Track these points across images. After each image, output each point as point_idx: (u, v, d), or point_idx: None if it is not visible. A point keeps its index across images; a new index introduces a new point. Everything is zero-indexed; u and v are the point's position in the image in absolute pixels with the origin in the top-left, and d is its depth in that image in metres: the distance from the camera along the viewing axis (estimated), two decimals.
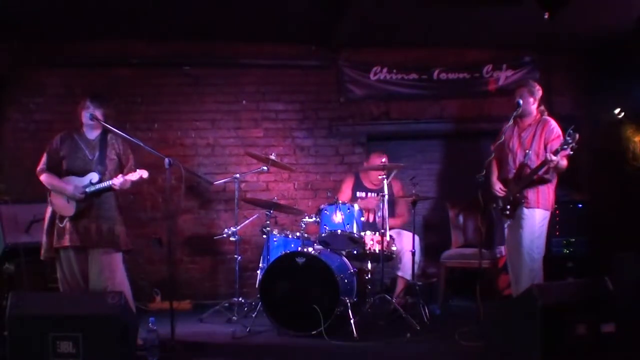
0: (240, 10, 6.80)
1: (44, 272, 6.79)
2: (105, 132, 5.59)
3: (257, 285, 6.58)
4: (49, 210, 5.52)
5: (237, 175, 7.08)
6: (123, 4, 6.53)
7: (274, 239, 6.73)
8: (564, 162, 5.70)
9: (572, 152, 5.55)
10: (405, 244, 6.88)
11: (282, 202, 7.30)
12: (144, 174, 5.47)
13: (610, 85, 7.74)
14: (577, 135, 5.43)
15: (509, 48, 8.16)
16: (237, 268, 6.97)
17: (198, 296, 7.77)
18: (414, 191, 6.65)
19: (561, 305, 4.60)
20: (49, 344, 4.48)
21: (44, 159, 5.57)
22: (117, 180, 5.37)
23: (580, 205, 7.52)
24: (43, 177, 5.52)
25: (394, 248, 6.59)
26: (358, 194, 7.25)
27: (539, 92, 6.06)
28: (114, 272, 5.44)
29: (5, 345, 4.56)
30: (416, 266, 6.77)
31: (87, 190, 5.38)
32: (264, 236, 6.78)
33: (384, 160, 6.62)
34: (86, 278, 5.45)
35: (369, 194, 7.22)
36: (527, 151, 5.96)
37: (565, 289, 5.03)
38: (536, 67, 8.24)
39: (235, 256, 7.00)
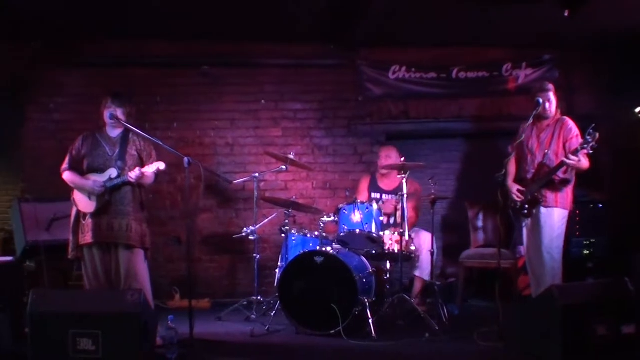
0: (259, 10, 6.80)
1: (65, 270, 6.86)
2: (127, 129, 5.63)
3: (275, 284, 6.57)
4: (74, 209, 5.57)
5: (256, 175, 7.09)
6: (142, 4, 6.57)
7: (293, 238, 6.72)
8: (584, 162, 5.65)
9: (591, 152, 5.51)
10: (424, 243, 6.85)
11: (300, 201, 7.31)
12: (161, 165, 5.49)
13: (631, 84, 7.67)
14: (597, 135, 5.38)
15: (528, 46, 8.10)
16: (255, 267, 6.97)
17: (217, 295, 7.79)
18: (432, 190, 6.62)
19: (581, 306, 4.57)
20: (69, 341, 4.51)
21: (66, 159, 5.64)
22: (133, 174, 5.41)
23: (600, 206, 7.46)
24: (65, 176, 5.59)
25: (412, 248, 6.56)
26: (373, 194, 7.22)
27: (551, 92, 6.00)
28: (136, 270, 5.47)
29: (27, 341, 4.59)
30: (435, 266, 6.74)
31: (107, 185, 5.42)
32: (283, 235, 6.78)
33: (402, 159, 6.59)
34: (109, 275, 5.49)
35: (384, 195, 7.19)
36: (546, 151, 5.92)
37: (585, 289, 5.00)
38: (556, 65, 8.17)
39: (254, 255, 7.01)
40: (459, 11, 6.77)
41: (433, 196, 6.59)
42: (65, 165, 5.62)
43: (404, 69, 8.12)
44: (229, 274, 8.05)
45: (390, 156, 7.12)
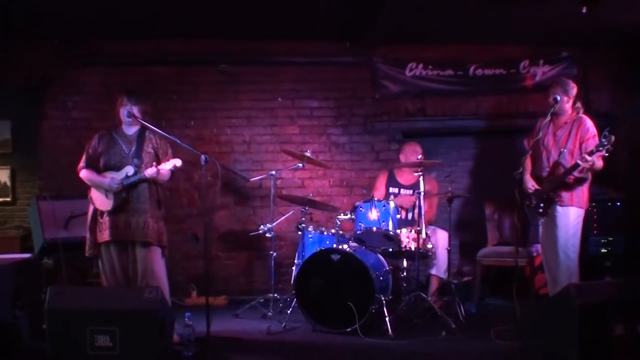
0: (276, 8, 6.80)
1: (82, 267, 6.89)
2: (143, 127, 5.65)
3: (292, 282, 6.58)
4: (91, 207, 5.59)
5: (273, 172, 7.09)
6: (160, 3, 6.59)
7: (309, 236, 6.72)
8: (599, 163, 5.62)
9: (607, 154, 5.48)
10: (440, 241, 6.83)
11: (317, 198, 7.31)
12: (177, 162, 5.50)
13: None
14: (613, 138, 5.36)
15: (546, 43, 8.04)
16: (272, 264, 6.98)
17: (234, 292, 7.81)
18: (449, 188, 6.60)
19: (599, 305, 4.52)
20: (87, 337, 4.53)
21: (83, 157, 5.67)
22: (149, 171, 5.43)
23: (618, 204, 7.40)
24: (82, 174, 5.62)
25: (429, 246, 6.55)
26: (391, 189, 7.20)
27: (573, 90, 5.97)
28: (152, 267, 5.49)
29: (45, 338, 4.62)
30: (451, 264, 6.72)
31: (124, 182, 5.44)
32: (299, 233, 6.79)
33: (420, 157, 6.58)
34: (127, 272, 5.51)
35: (402, 190, 7.17)
36: (562, 150, 5.88)
37: (603, 288, 4.95)
38: (573, 62, 8.11)
39: (271, 252, 7.02)
40: (476, 8, 6.73)
41: (450, 194, 6.59)
42: (82, 163, 5.64)
43: (420, 66, 8.10)
44: (246, 271, 8.07)
45: (417, 152, 7.06)
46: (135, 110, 5.54)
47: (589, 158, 5.48)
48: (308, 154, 6.88)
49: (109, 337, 4.53)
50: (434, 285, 6.94)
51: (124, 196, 5.46)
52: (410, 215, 7.06)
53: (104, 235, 5.45)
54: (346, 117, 8.16)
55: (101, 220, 5.49)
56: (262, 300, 7.00)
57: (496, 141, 8.30)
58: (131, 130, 5.66)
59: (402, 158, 7.21)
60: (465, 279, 7.70)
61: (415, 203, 6.77)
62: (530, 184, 6.02)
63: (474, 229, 8.06)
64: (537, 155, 6.11)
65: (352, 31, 7.57)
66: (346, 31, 7.61)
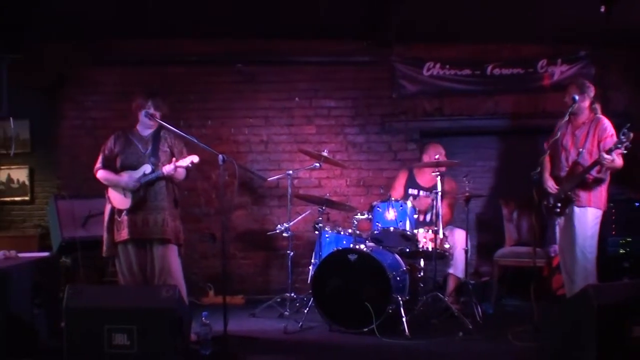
0: (293, 8, 6.81)
1: (100, 266, 6.94)
2: (158, 128, 5.68)
3: (309, 281, 6.58)
4: (108, 207, 5.62)
5: (290, 172, 7.10)
6: (178, 3, 6.62)
7: (326, 236, 6.73)
8: (618, 161, 5.59)
9: (625, 152, 5.45)
10: (458, 241, 6.81)
11: (334, 198, 7.30)
12: (194, 158, 5.52)
13: None
14: (632, 134, 5.33)
15: (564, 42, 7.99)
16: (289, 264, 6.99)
17: (251, 291, 7.83)
18: (467, 188, 6.59)
19: (617, 306, 4.50)
20: (104, 335, 4.56)
21: (99, 158, 5.71)
22: (167, 167, 5.46)
23: (637, 204, 7.33)
24: (99, 174, 5.66)
25: (446, 246, 6.53)
26: (410, 190, 7.18)
27: (591, 90, 5.95)
28: (170, 265, 5.52)
29: (62, 336, 4.65)
30: (469, 264, 6.70)
31: (141, 180, 5.47)
32: (316, 232, 6.80)
33: (437, 157, 6.56)
34: (144, 271, 5.54)
35: (421, 191, 7.16)
36: (581, 150, 5.86)
37: (621, 289, 4.91)
38: (592, 62, 8.05)
39: (288, 252, 7.04)
40: (494, 6, 6.71)
41: (468, 194, 6.57)
42: (98, 164, 5.69)
43: (438, 65, 8.08)
44: (263, 271, 8.09)
45: (440, 153, 7.03)
46: (153, 110, 5.57)
47: (607, 156, 5.46)
48: (325, 153, 6.88)
49: (126, 335, 4.55)
50: (451, 285, 6.92)
51: (141, 194, 5.49)
52: (428, 218, 7.04)
53: (122, 234, 5.48)
54: (363, 117, 8.15)
55: (119, 219, 5.52)
56: (279, 299, 7.01)
57: (514, 141, 8.28)
58: (146, 132, 5.70)
59: (426, 158, 7.15)
60: (483, 279, 7.68)
61: (432, 205, 6.76)
62: (550, 184, 6.01)
63: (491, 229, 8.04)
64: (556, 155, 6.09)
65: (369, 30, 7.57)
66: (363, 30, 7.61)
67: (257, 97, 8.11)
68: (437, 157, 6.59)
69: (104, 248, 5.59)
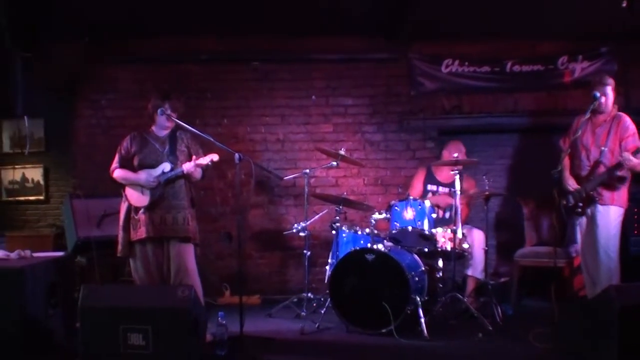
0: (309, 4, 6.79)
1: (115, 265, 6.95)
2: (174, 130, 5.69)
3: (326, 281, 6.57)
4: (124, 205, 5.61)
5: (307, 171, 7.08)
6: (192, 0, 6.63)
7: (343, 235, 6.70)
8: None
9: None
10: (477, 241, 6.77)
11: (351, 197, 7.28)
12: (214, 157, 5.52)
13: None
14: None
15: (585, 38, 7.92)
16: (306, 263, 6.98)
17: (267, 291, 7.82)
18: (486, 187, 6.54)
19: None
20: (120, 335, 4.56)
21: (115, 158, 5.70)
22: (188, 165, 5.47)
23: None
24: (116, 174, 5.64)
25: (465, 246, 6.50)
26: (429, 187, 7.15)
27: (612, 87, 5.88)
28: (186, 265, 5.51)
29: (77, 336, 4.66)
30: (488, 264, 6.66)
31: (160, 178, 5.47)
32: (333, 232, 6.77)
33: (455, 155, 6.52)
34: (161, 271, 5.54)
35: (440, 188, 7.12)
36: (602, 148, 5.80)
37: None
38: (613, 58, 7.98)
39: (304, 251, 7.01)
40: (513, 1, 6.66)
41: (487, 193, 6.53)
42: (115, 164, 5.68)
43: (457, 62, 8.04)
44: (279, 271, 8.08)
45: (460, 150, 6.98)
46: (170, 110, 5.57)
47: (632, 158, 5.41)
48: (342, 152, 6.86)
49: (142, 335, 4.55)
50: (470, 286, 6.89)
51: (160, 192, 5.48)
52: (447, 214, 7.01)
53: (140, 232, 5.48)
54: (381, 115, 8.12)
55: (136, 217, 5.51)
56: (295, 300, 6.99)
57: (534, 139, 8.22)
58: (162, 132, 5.69)
59: (446, 154, 7.12)
60: (503, 279, 7.64)
61: (452, 204, 6.72)
62: (571, 182, 5.95)
63: (511, 229, 7.98)
64: (576, 153, 6.03)
65: (387, 27, 7.54)
66: (381, 27, 7.58)
67: (274, 95, 8.09)
68: (455, 155, 6.54)
69: (119, 247, 5.58)
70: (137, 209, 5.53)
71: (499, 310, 6.35)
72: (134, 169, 5.60)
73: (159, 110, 5.55)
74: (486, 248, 6.57)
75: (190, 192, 5.70)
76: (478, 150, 8.04)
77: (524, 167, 8.20)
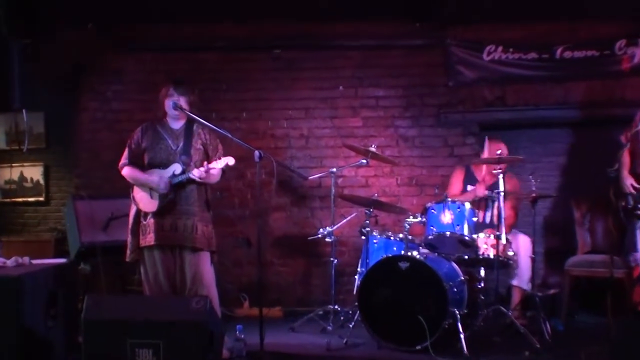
0: None
1: (123, 274, 7.00)
2: (190, 121, 5.69)
3: (354, 292, 6.59)
4: (134, 208, 5.65)
5: (334, 170, 7.10)
6: None
7: (374, 241, 6.72)
8: None
9: None
10: (523, 248, 6.75)
11: (383, 199, 7.29)
12: (230, 161, 5.50)
13: None
14: None
15: None
16: (332, 272, 7.00)
17: (289, 303, 7.86)
18: (533, 188, 6.51)
19: None
20: (127, 351, 4.59)
21: (125, 153, 5.72)
22: (197, 172, 5.43)
23: None
24: (125, 172, 5.68)
25: (510, 253, 6.47)
26: (469, 187, 7.13)
27: None
28: (202, 274, 5.53)
29: (80, 352, 4.70)
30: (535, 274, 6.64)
31: (172, 182, 5.47)
32: (363, 237, 6.77)
33: (499, 152, 6.50)
34: (172, 280, 5.56)
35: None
36: None
37: None
38: None
39: (331, 259, 7.04)
40: None
41: (534, 194, 6.49)
42: (124, 160, 5.70)
43: (500, 48, 8.01)
44: (303, 280, 8.11)
45: (502, 149, 6.96)
46: (182, 101, 5.58)
47: None
48: (373, 149, 6.86)
49: (152, 351, 4.59)
50: (515, 298, 6.87)
51: (171, 197, 5.49)
52: (488, 218, 6.99)
53: (148, 238, 5.50)
54: (416, 108, 8.12)
55: (145, 223, 5.54)
56: (321, 312, 7.02)
57: (587, 133, 8.17)
58: (177, 124, 5.70)
59: (485, 154, 7.08)
60: (552, 291, 7.59)
61: (491, 201, 6.71)
62: (629, 182, 5.92)
63: (561, 234, 7.96)
64: (637, 150, 6.00)
65: (422, 9, 7.53)
66: (416, 9, 7.57)
67: (297, 87, 8.13)
68: (499, 152, 6.52)
69: (128, 252, 5.62)
70: (145, 214, 5.56)
71: (548, 325, 6.31)
72: (144, 167, 5.63)
73: (171, 103, 5.58)
74: (533, 256, 6.55)
75: (205, 194, 5.71)
76: (524, 147, 8.02)
77: (576, 165, 8.16)
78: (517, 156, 6.91)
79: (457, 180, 7.23)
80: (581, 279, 7.16)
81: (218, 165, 5.48)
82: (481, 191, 6.91)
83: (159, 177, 5.50)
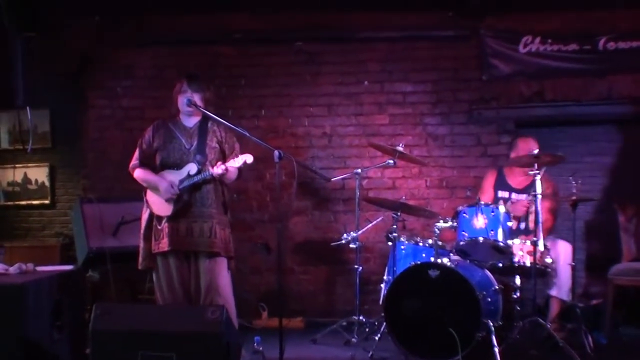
0: None
1: (134, 281, 7.04)
2: (205, 118, 5.70)
3: (380, 302, 6.60)
4: (146, 211, 5.66)
5: (358, 171, 7.11)
6: None
7: (402, 247, 6.73)
8: None
9: None
10: (562, 255, 6.73)
11: (411, 202, 7.27)
12: (248, 158, 5.49)
13: None
14: None
15: None
16: (357, 280, 7.01)
17: (311, 313, 7.88)
18: (574, 190, 6.50)
19: None
20: None
21: (136, 153, 5.74)
22: (217, 169, 5.44)
23: None
24: (136, 173, 5.70)
25: (548, 260, 6.46)
26: (500, 193, 7.12)
27: None
28: (218, 282, 5.53)
29: None
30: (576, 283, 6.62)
31: (181, 187, 5.47)
32: (390, 243, 6.79)
33: (535, 150, 6.49)
34: (187, 288, 5.57)
35: (513, 194, 7.08)
36: None
37: None
38: None
39: (356, 266, 7.05)
40: None
41: (574, 197, 6.47)
42: (134, 161, 5.73)
43: (537, 40, 8.00)
44: (326, 289, 8.13)
45: (532, 149, 6.94)
46: (196, 98, 5.59)
47: None
48: (400, 148, 6.86)
49: None
50: (554, 309, 6.87)
51: (185, 199, 5.49)
52: (523, 225, 6.98)
53: (162, 244, 5.50)
54: (446, 104, 8.13)
55: (159, 227, 5.54)
56: (344, 323, 7.04)
57: (633, 131, 8.15)
58: (191, 121, 5.72)
59: (514, 156, 7.07)
60: (594, 302, 7.57)
61: (529, 210, 6.69)
62: None
63: (604, 241, 7.94)
64: None
65: None
66: None
67: (319, 82, 8.15)
68: (536, 151, 6.50)
69: (140, 259, 5.62)
70: (160, 218, 5.55)
71: (590, 339, 6.30)
72: (156, 167, 5.64)
73: (184, 100, 5.59)
74: (573, 263, 6.52)
75: (223, 195, 5.71)
76: (563, 146, 7.99)
77: (621, 166, 8.14)
78: (558, 154, 6.87)
79: (488, 185, 7.23)
80: (626, 289, 7.13)
81: (236, 163, 5.48)
82: (521, 210, 6.88)
83: (168, 183, 5.48)
